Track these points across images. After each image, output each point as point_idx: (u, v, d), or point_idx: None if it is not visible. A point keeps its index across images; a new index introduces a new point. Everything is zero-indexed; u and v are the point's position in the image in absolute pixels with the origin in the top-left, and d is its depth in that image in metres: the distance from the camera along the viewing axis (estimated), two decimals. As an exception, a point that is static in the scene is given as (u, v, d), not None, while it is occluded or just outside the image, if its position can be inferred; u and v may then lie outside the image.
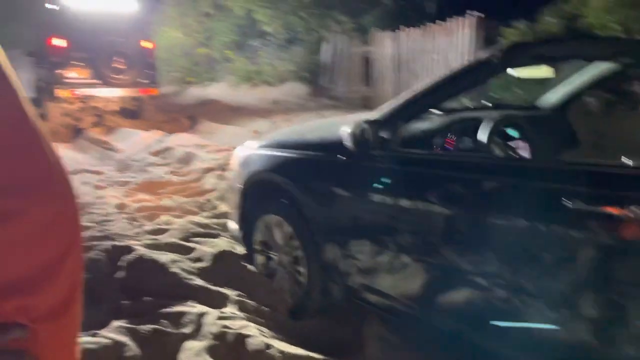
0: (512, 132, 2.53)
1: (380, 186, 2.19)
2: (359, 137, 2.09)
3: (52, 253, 0.72)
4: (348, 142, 2.11)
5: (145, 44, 9.35)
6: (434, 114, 2.64)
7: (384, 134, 2.17)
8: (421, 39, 9.28)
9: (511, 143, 2.52)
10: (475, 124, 2.28)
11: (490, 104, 2.96)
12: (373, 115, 2.28)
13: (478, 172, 1.96)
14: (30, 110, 0.72)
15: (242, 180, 2.92)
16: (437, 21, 9.12)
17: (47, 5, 9.28)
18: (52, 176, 0.73)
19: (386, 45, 10.10)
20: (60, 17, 8.90)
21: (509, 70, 2.50)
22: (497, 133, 2.26)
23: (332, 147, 2.32)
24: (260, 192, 2.85)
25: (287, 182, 2.58)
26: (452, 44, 8.48)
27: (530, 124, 2.45)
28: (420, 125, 2.42)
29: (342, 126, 2.15)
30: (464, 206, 1.99)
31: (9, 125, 0.67)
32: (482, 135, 2.11)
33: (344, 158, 2.26)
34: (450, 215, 2.00)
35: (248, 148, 3.03)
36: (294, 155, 2.59)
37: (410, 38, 9.54)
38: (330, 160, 2.37)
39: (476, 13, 8.09)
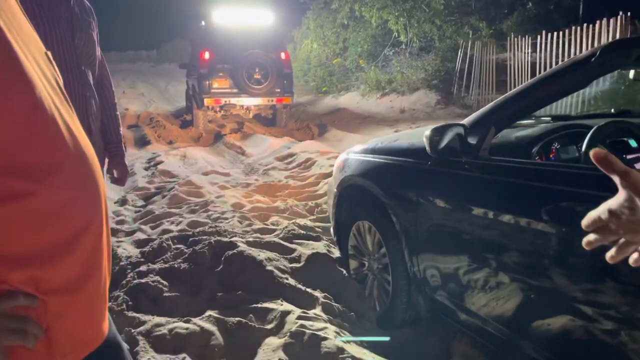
0: (632, 142, 2.23)
1: (467, 195, 2.07)
2: (436, 142, 2.00)
3: (63, 233, 0.79)
4: (427, 146, 2.03)
5: (282, 55, 9.87)
6: (538, 120, 2.43)
7: (472, 140, 2.05)
8: (564, 44, 8.57)
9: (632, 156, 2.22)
10: (584, 133, 2.06)
11: (612, 111, 2.64)
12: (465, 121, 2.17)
13: (572, 184, 1.75)
14: (48, 100, 0.79)
15: (337, 184, 2.95)
16: (584, 24, 8.36)
17: (203, 23, 10.31)
18: (67, 164, 0.79)
19: (525, 52, 9.49)
20: (207, 32, 9.79)
21: (631, 73, 2.23)
22: (606, 143, 2.02)
23: (417, 152, 2.25)
24: (353, 197, 2.85)
25: (375, 187, 2.55)
26: (599, 48, 7.69)
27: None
28: (517, 132, 2.24)
29: (427, 131, 2.07)
30: (557, 222, 1.78)
31: (21, 117, 0.73)
32: (584, 144, 1.90)
33: (426, 163, 2.17)
34: (545, 232, 1.77)
35: (346, 153, 3.06)
36: (383, 160, 2.55)
37: (552, 43, 8.86)
38: (412, 165, 2.29)
39: (628, 15, 7.27)
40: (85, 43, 1.90)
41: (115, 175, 2.26)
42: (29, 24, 0.85)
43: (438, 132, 2.07)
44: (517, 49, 9.81)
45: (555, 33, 8.83)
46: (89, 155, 0.86)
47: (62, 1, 1.83)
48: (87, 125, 1.92)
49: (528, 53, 9.50)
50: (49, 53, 0.91)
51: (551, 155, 2.22)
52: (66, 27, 1.81)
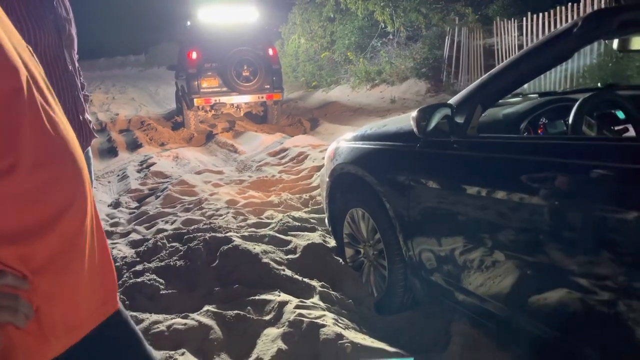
0: (620, 114, 2.24)
1: (457, 174, 2.07)
2: (424, 123, 2.00)
3: (45, 211, 0.80)
4: (414, 128, 2.02)
5: (270, 51, 9.83)
6: (525, 97, 2.43)
7: (459, 120, 2.05)
8: (550, 25, 8.58)
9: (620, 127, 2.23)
10: (571, 107, 2.06)
11: (599, 86, 2.64)
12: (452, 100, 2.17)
13: (560, 156, 1.74)
14: (30, 86, 0.80)
15: (329, 174, 2.94)
16: (569, 4, 8.36)
17: (188, 23, 10.25)
18: (47, 145, 0.82)
19: (511, 35, 9.50)
20: (193, 32, 9.75)
21: (615, 44, 2.23)
22: (593, 115, 2.02)
23: (405, 136, 2.24)
24: (345, 185, 2.85)
25: (366, 173, 2.54)
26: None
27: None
28: (504, 110, 2.24)
29: (413, 113, 2.07)
30: (548, 194, 1.77)
31: (3, 100, 0.74)
32: (571, 116, 1.90)
33: (415, 146, 2.17)
34: (537, 205, 1.75)
35: (337, 141, 3.06)
36: (372, 146, 2.55)
37: (538, 25, 8.86)
38: (402, 149, 2.29)
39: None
40: (69, 43, 1.88)
41: None
42: (7, 18, 0.87)
43: (425, 114, 2.07)
44: (504, 33, 9.81)
45: (540, 14, 8.83)
46: (70, 139, 0.88)
47: (45, 3, 1.78)
48: (78, 122, 1.91)
49: (515, 36, 9.51)
50: (30, 48, 0.93)
51: (539, 131, 2.22)
52: (54, 30, 1.77)
